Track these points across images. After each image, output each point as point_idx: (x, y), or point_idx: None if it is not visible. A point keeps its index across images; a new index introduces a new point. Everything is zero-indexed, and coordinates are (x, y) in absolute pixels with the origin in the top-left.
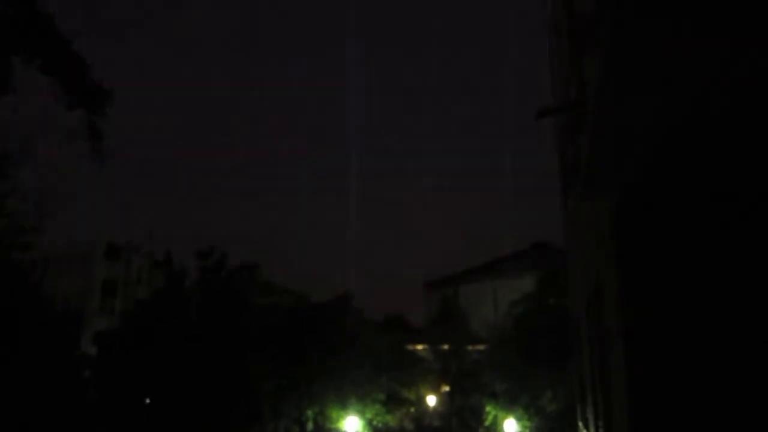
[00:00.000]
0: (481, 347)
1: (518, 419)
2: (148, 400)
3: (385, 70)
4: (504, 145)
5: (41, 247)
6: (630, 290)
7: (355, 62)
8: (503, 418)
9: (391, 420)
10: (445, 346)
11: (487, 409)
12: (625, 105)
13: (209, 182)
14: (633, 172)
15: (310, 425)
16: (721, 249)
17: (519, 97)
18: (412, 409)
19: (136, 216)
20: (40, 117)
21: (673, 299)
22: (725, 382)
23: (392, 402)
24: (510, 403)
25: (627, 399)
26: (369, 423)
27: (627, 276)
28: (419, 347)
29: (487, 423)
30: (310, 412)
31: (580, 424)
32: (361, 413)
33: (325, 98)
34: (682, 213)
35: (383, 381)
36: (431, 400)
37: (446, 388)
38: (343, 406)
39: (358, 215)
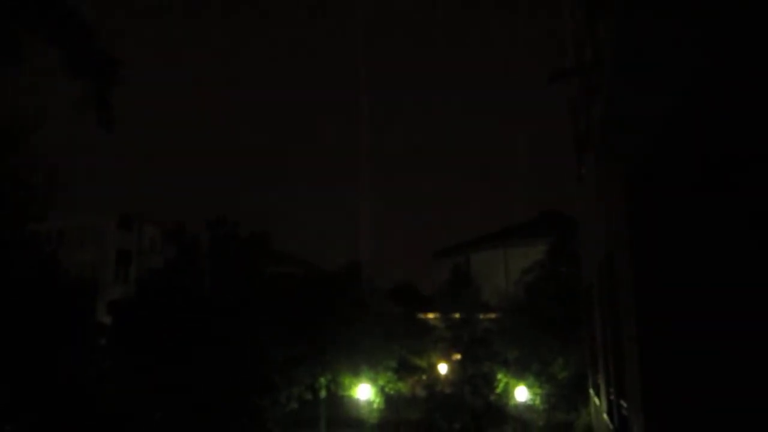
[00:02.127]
0: (492, 315)
1: (529, 386)
2: (162, 369)
3: (396, 31)
4: (516, 113)
5: (55, 217)
6: (642, 261)
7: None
8: (514, 386)
9: (403, 387)
10: (457, 315)
11: (499, 376)
12: (639, 67)
13: (219, 154)
14: (646, 140)
15: (323, 393)
16: (733, 221)
17: (529, 65)
18: (424, 377)
19: (148, 186)
20: (50, 87)
21: (685, 269)
22: (738, 351)
23: (404, 370)
24: (521, 371)
25: (640, 368)
26: (381, 390)
27: (639, 246)
28: (430, 316)
29: (498, 390)
30: (322, 380)
31: (592, 391)
32: (374, 381)
33: (337, 68)
34: (694, 183)
35: (395, 349)
36: (443, 368)
37: (457, 356)
38: (356, 373)
39: (369, 184)
